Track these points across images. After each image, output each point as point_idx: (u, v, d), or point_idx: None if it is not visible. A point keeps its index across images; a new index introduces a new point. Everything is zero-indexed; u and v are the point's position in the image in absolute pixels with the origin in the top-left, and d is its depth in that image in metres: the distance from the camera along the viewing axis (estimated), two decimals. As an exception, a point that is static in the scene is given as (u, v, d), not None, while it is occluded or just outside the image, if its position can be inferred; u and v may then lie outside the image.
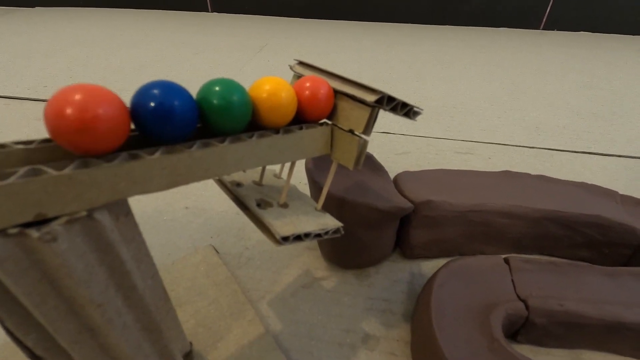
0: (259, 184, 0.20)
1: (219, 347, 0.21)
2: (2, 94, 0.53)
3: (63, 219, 0.11)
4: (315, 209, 0.19)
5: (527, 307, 0.22)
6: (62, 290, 0.12)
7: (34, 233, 0.10)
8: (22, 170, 0.10)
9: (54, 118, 0.11)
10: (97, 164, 0.11)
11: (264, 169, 0.20)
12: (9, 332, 0.12)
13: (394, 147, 0.42)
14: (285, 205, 0.18)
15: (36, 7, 1.10)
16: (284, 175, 0.22)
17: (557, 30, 0.91)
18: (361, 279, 0.26)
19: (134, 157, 0.12)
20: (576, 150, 0.43)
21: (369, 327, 0.23)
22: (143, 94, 0.12)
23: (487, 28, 0.93)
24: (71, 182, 0.11)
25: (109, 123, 0.11)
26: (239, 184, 0.19)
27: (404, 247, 0.28)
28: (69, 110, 0.11)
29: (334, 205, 0.22)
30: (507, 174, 0.30)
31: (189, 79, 0.59)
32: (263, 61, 0.67)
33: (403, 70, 0.65)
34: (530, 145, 0.43)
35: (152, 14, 1.02)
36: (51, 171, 0.10)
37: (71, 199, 0.11)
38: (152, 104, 0.12)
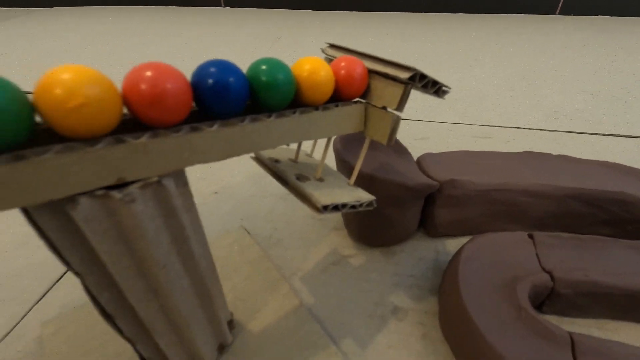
0: (294, 161, 0.21)
1: (257, 317, 0.23)
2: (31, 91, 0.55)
3: (139, 183, 0.12)
4: (348, 184, 0.20)
5: (552, 278, 0.22)
6: (134, 252, 0.13)
7: (116, 194, 0.12)
8: (107, 138, 0.11)
9: (130, 93, 0.12)
10: (166, 134, 0.12)
11: (299, 147, 0.21)
12: (87, 289, 0.14)
13: (413, 132, 0.43)
14: (321, 180, 0.19)
15: (54, 7, 1.13)
16: (315, 155, 0.23)
17: (574, 15, 0.90)
18: (387, 256, 0.27)
19: (195, 129, 0.13)
20: (597, 132, 0.43)
21: (398, 300, 0.24)
22: (202, 71, 0.13)
23: (501, 15, 0.92)
24: (146, 150, 0.12)
25: (175, 97, 0.12)
26: (277, 161, 0.20)
27: (428, 226, 0.29)
28: (142, 86, 0.12)
29: (363, 183, 0.23)
30: (528, 154, 0.31)
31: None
32: (279, 53, 0.68)
33: (418, 58, 0.65)
34: (549, 129, 0.43)
35: (167, 10, 1.04)
36: (131, 140, 0.12)
37: (145, 165, 0.12)
38: (211, 81, 0.13)
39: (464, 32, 0.80)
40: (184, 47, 0.73)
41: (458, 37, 0.77)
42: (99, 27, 0.89)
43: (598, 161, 0.30)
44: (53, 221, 0.12)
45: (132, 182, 0.12)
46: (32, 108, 0.10)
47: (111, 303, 0.15)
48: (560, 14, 0.89)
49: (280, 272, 0.26)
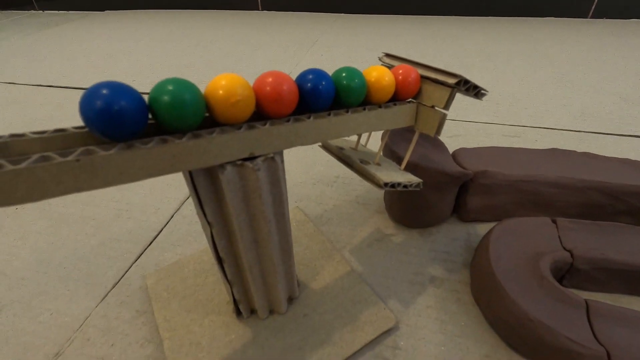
0: (354, 149, 0.25)
1: (317, 279, 0.27)
2: (100, 88, 0.62)
3: (262, 157, 0.17)
4: (399, 169, 0.24)
5: (572, 255, 0.26)
6: (250, 208, 0.18)
7: (249, 164, 0.17)
8: (244, 125, 0.16)
9: (259, 92, 0.17)
10: (280, 122, 0.17)
11: (359, 138, 0.26)
12: (211, 236, 0.19)
13: (446, 130, 0.47)
14: (378, 164, 0.24)
15: (106, 11, 1.22)
16: (369, 145, 0.28)
17: (606, 18, 0.90)
18: (425, 236, 0.32)
19: (298, 120, 0.18)
20: (622, 133, 0.45)
21: (434, 271, 0.29)
22: (303, 78, 0.18)
23: (532, 18, 0.94)
24: (268, 134, 0.17)
25: (288, 96, 0.17)
26: (341, 149, 0.25)
27: (461, 211, 0.33)
28: (268, 88, 0.17)
29: (408, 170, 0.28)
30: (554, 150, 0.34)
31: (255, 73, 0.66)
32: (317, 56, 0.72)
33: (449, 61, 0.69)
34: (576, 129, 0.46)
35: (209, 13, 1.11)
36: (259, 126, 0.17)
37: (266, 144, 0.17)
38: (309, 85, 0.18)
39: (495, 36, 0.82)
40: (229, 49, 0.79)
41: (490, 40, 0.79)
42: (151, 30, 0.97)
43: (619, 158, 0.33)
44: (204, 182, 0.17)
45: (257, 157, 0.17)
46: (205, 103, 0.15)
47: (225, 249, 0.20)
48: (592, 17, 0.90)
49: (332, 245, 0.31)
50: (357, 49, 0.77)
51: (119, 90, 0.13)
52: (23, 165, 0.11)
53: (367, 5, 1.02)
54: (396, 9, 1.01)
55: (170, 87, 0.14)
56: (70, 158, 0.12)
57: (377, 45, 0.78)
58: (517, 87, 0.58)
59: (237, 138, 0.16)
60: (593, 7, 0.89)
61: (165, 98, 0.14)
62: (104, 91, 0.13)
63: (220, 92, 0.15)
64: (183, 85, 0.14)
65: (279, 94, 0.17)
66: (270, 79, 0.17)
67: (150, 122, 0.15)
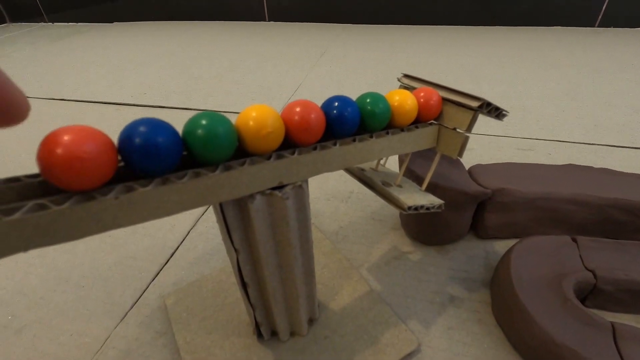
0: (375, 169, 0.25)
1: (336, 299, 0.27)
2: (112, 101, 0.63)
3: (290, 186, 0.17)
4: (420, 189, 0.24)
5: (595, 276, 0.26)
6: (276, 234, 0.18)
7: (278, 193, 0.17)
8: (274, 154, 0.16)
9: (287, 123, 0.17)
10: (308, 151, 0.17)
11: (379, 159, 0.26)
12: (237, 262, 0.19)
13: (458, 144, 0.46)
14: (400, 186, 0.24)
15: (114, 22, 1.24)
16: (387, 164, 0.28)
17: (614, 27, 0.90)
18: (442, 253, 0.31)
19: (324, 147, 0.18)
20: (637, 146, 0.45)
21: (454, 291, 0.28)
22: (328, 105, 0.18)
23: (539, 27, 0.94)
24: (296, 162, 0.17)
25: (316, 125, 0.17)
26: (362, 170, 0.25)
27: (478, 228, 0.32)
28: (296, 117, 0.17)
29: (427, 189, 0.28)
30: (571, 166, 0.34)
31: (266, 86, 0.66)
32: (326, 67, 0.73)
33: (457, 72, 0.69)
34: (590, 142, 0.46)
35: (216, 25, 1.12)
36: (288, 155, 0.17)
37: (295, 173, 0.17)
38: (335, 112, 0.18)
39: (502, 46, 0.82)
40: (240, 61, 0.80)
41: (496, 50, 0.80)
42: (156, 41, 0.98)
43: (638, 174, 0.33)
44: (233, 210, 0.17)
45: (285, 185, 0.17)
46: (236, 136, 0.15)
47: (250, 274, 0.20)
48: (599, 26, 0.90)
49: (350, 263, 0.30)
50: (365, 59, 0.77)
51: (155, 126, 0.13)
52: (66, 205, 0.12)
53: (373, 16, 1.03)
54: (403, 19, 1.01)
55: (204, 122, 0.14)
56: (109, 196, 0.12)
57: (385, 55, 0.79)
58: (526, 98, 0.58)
59: (267, 168, 0.16)
60: (600, 16, 0.89)
61: (200, 132, 0.14)
62: (142, 128, 0.13)
63: (251, 123, 0.15)
64: (216, 119, 0.14)
65: (308, 123, 0.17)
66: (298, 109, 0.17)
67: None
